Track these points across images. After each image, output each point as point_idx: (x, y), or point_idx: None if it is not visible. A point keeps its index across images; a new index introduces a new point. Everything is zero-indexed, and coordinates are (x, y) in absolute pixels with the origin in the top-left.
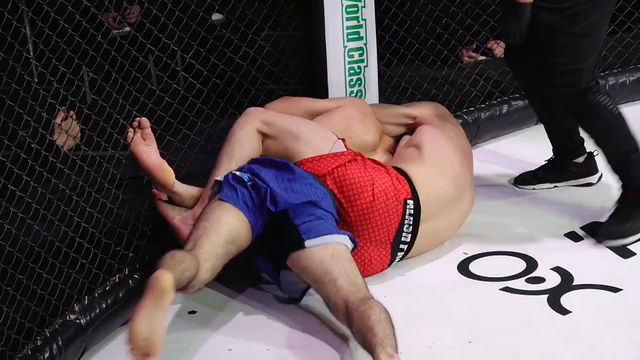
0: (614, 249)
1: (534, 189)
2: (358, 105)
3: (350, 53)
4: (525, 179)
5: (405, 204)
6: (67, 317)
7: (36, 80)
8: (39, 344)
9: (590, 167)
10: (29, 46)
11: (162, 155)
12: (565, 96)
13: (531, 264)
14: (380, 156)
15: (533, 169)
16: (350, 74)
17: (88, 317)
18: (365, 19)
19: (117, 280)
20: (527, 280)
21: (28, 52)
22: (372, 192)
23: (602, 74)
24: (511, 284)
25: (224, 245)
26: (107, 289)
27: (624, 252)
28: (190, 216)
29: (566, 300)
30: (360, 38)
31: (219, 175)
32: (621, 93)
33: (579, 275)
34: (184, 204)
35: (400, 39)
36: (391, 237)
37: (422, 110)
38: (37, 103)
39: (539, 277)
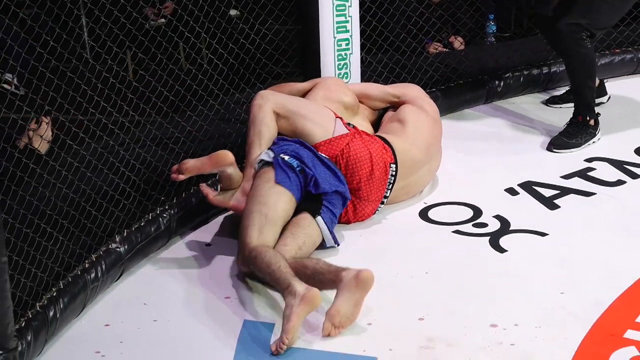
0: (543, 202)
1: (561, 107)
2: (330, 79)
3: (338, 43)
4: (554, 100)
5: (389, 167)
6: (110, 246)
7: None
8: (86, 266)
9: (601, 90)
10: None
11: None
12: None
13: (477, 212)
14: (360, 121)
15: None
16: (338, 60)
17: (126, 246)
18: (351, 16)
19: (150, 218)
20: (473, 225)
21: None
22: (371, 163)
23: None
24: (460, 227)
25: (280, 230)
26: (142, 224)
27: (551, 205)
28: (241, 193)
29: (504, 241)
30: (347, 31)
31: (255, 154)
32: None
33: (514, 222)
34: (232, 186)
35: (378, 33)
36: (382, 195)
37: (404, 90)
38: (93, 75)
39: (483, 222)
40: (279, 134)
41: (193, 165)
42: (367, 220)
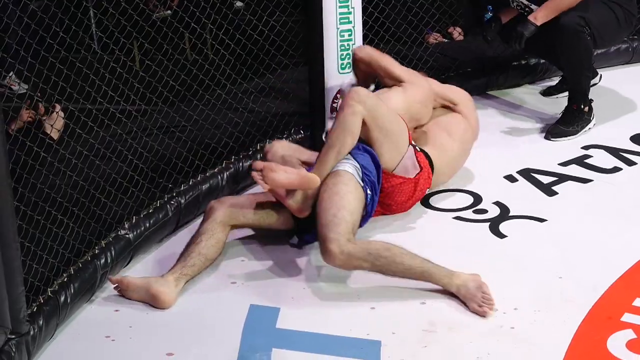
0: (541, 188)
1: (557, 97)
2: (425, 86)
3: (341, 33)
4: (549, 91)
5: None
6: (119, 232)
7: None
8: (96, 252)
9: (593, 73)
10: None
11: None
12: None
13: (477, 199)
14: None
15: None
16: (341, 50)
17: (135, 233)
18: (354, 7)
19: (158, 205)
20: (474, 212)
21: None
22: (412, 199)
23: None
24: (461, 214)
25: None
26: (150, 211)
27: (549, 192)
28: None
29: (504, 227)
30: (350, 22)
31: (332, 162)
32: None
33: (514, 208)
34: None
35: (380, 24)
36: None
37: (461, 98)
38: (101, 66)
39: (483, 209)
40: None
41: (280, 180)
42: None
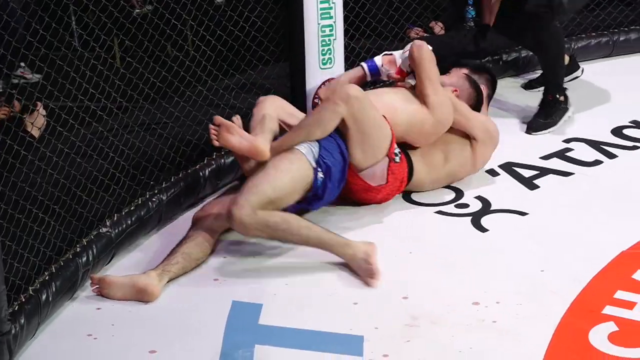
0: (522, 182)
1: (539, 90)
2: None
3: (322, 29)
4: (532, 84)
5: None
6: (100, 230)
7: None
8: (78, 250)
9: (574, 65)
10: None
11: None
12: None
13: (459, 193)
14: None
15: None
16: (322, 45)
17: (116, 230)
18: (334, 2)
19: (140, 202)
20: (456, 206)
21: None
22: (372, 199)
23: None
24: (443, 208)
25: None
26: (132, 208)
27: (531, 185)
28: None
29: (485, 221)
30: (331, 17)
31: (296, 142)
32: None
33: (495, 202)
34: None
35: (361, 19)
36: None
37: (484, 138)
38: (82, 63)
39: (465, 203)
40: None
41: (231, 142)
42: (351, 202)
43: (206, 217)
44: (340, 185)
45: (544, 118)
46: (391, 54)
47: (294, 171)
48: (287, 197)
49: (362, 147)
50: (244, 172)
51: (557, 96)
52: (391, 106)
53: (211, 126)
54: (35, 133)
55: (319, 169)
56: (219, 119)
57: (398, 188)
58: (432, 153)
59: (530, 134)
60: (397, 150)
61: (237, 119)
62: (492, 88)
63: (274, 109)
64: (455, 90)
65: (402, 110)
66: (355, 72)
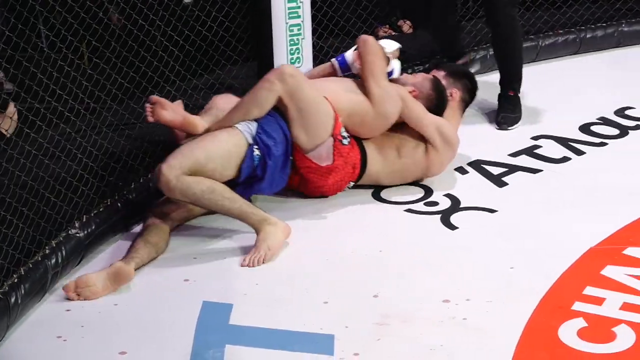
0: (491, 179)
1: None
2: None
3: (290, 28)
4: None
5: (348, 183)
6: (69, 232)
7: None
8: (47, 252)
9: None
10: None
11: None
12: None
13: (428, 191)
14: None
15: None
16: (290, 45)
17: (86, 232)
18: (302, 1)
19: (109, 203)
20: (425, 204)
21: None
22: (324, 183)
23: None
24: (412, 206)
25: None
26: (100, 210)
27: (500, 183)
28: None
29: (455, 219)
30: (299, 16)
31: (234, 122)
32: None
33: (464, 199)
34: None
35: (329, 18)
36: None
37: (441, 147)
38: (48, 64)
39: (434, 201)
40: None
41: (165, 117)
42: (321, 201)
43: (159, 205)
44: (285, 169)
45: (513, 112)
46: None
47: (229, 144)
48: (219, 169)
49: (304, 127)
50: None
51: (517, 91)
52: (334, 92)
53: (147, 104)
54: (8, 127)
55: (255, 146)
56: (154, 97)
57: (351, 175)
58: (385, 147)
59: (505, 129)
60: (345, 134)
61: (179, 102)
62: (470, 93)
63: (224, 102)
64: (414, 91)
65: (345, 98)
66: (325, 67)
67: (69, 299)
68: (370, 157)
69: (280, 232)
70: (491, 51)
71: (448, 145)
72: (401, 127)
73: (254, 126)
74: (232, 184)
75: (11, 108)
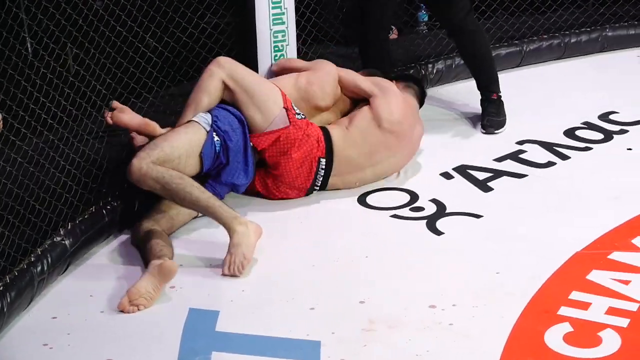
0: (477, 184)
1: None
2: (326, 70)
3: (275, 35)
4: None
5: (319, 161)
6: (55, 239)
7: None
8: (32, 259)
9: None
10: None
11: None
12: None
13: (413, 196)
14: (329, 115)
15: None
16: (275, 51)
17: (71, 239)
18: (287, 8)
19: (93, 210)
20: (411, 209)
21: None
22: (290, 161)
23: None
24: (398, 212)
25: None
26: (85, 217)
27: (485, 188)
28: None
29: (440, 224)
30: (283, 23)
31: (187, 119)
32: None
33: (450, 205)
34: None
35: (312, 24)
36: (309, 184)
37: (373, 89)
38: (32, 72)
39: (420, 206)
40: (223, 101)
41: (122, 120)
42: (306, 207)
43: (144, 220)
44: (247, 152)
45: (497, 116)
46: None
47: (189, 134)
48: (184, 158)
49: (255, 105)
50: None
51: (500, 94)
52: (275, 81)
53: (106, 110)
54: None
55: (214, 133)
56: (115, 103)
57: (317, 148)
58: (339, 122)
59: (492, 132)
60: (297, 110)
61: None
62: (420, 99)
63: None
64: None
65: (285, 82)
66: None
67: (124, 312)
68: (331, 130)
69: (252, 234)
70: (456, 60)
71: (385, 89)
72: (347, 112)
73: (208, 116)
74: (201, 179)
75: None
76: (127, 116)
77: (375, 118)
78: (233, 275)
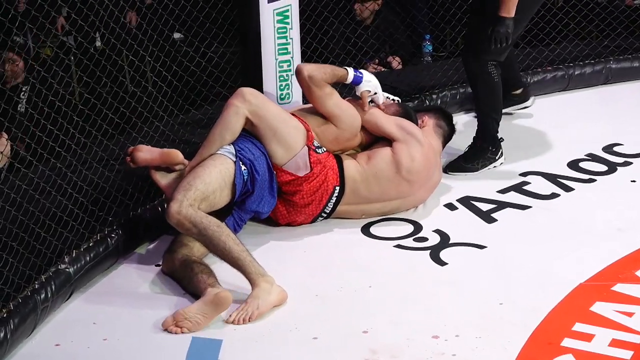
0: (480, 216)
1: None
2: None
3: (280, 64)
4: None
5: (334, 190)
6: (59, 267)
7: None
8: (36, 287)
9: (525, 95)
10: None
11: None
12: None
13: (417, 227)
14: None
15: None
16: (280, 80)
17: (75, 267)
18: (292, 38)
19: (98, 238)
20: (414, 240)
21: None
22: (306, 189)
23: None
24: (402, 242)
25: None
26: (90, 244)
27: (488, 219)
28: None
29: (444, 254)
30: (288, 52)
31: (211, 152)
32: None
33: (454, 235)
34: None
35: (318, 54)
36: (319, 210)
37: (397, 133)
38: (40, 99)
39: (424, 237)
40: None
41: (144, 158)
42: (310, 236)
43: (165, 259)
44: (272, 182)
45: (465, 162)
46: (391, 100)
47: (219, 166)
48: (219, 192)
49: (277, 140)
50: (163, 191)
51: (486, 145)
52: (300, 114)
53: (126, 157)
54: (2, 161)
55: (239, 162)
56: (130, 148)
57: (333, 177)
58: (357, 156)
59: (447, 172)
60: (318, 144)
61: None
62: (445, 119)
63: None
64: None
65: (311, 118)
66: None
67: (169, 331)
68: (345, 162)
69: (275, 295)
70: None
71: (410, 135)
72: (368, 145)
73: (231, 148)
74: (227, 208)
75: (2, 140)
76: (146, 153)
77: (394, 162)
78: (237, 322)
